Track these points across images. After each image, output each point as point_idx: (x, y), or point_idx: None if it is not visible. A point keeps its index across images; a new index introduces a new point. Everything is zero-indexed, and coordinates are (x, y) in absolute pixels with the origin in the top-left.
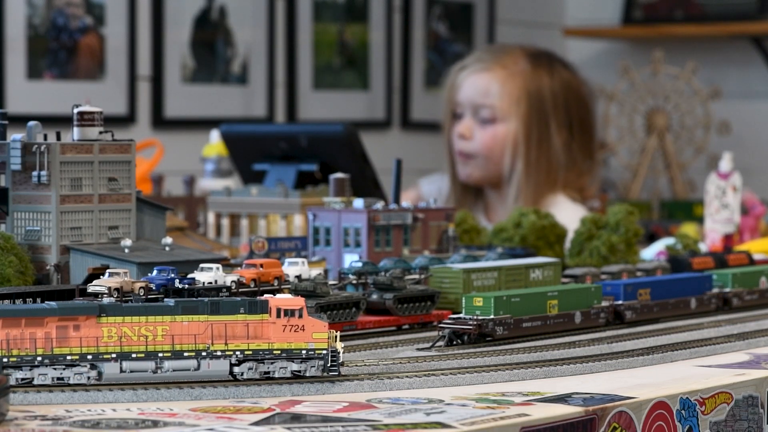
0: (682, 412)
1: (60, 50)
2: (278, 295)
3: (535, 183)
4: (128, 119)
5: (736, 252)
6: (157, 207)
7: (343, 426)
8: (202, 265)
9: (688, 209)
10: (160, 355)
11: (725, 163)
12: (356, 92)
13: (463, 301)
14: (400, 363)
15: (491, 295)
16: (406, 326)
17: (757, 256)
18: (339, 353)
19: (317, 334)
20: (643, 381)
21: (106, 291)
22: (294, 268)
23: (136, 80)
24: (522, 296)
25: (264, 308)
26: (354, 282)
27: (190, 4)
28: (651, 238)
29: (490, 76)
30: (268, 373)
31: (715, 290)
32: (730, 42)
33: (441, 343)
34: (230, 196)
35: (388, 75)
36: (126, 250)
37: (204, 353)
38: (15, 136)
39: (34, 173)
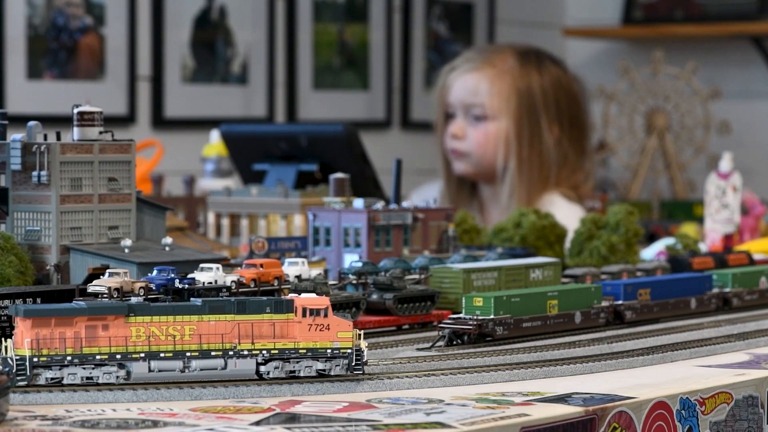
0: (682, 412)
1: (60, 50)
2: (303, 295)
3: (528, 180)
4: (128, 119)
5: (736, 252)
6: (157, 207)
7: (343, 426)
8: (202, 265)
9: (688, 209)
10: (188, 354)
11: (725, 163)
12: (356, 92)
13: (463, 301)
14: (400, 363)
15: (491, 295)
16: (406, 326)
17: (757, 256)
18: (363, 352)
19: (342, 333)
20: (643, 381)
21: (106, 291)
22: (294, 268)
23: (136, 80)
24: (522, 296)
25: (289, 307)
26: (354, 282)
27: (190, 4)
28: (651, 238)
29: (479, 76)
30: (294, 372)
31: (715, 290)
32: (730, 42)
33: (441, 343)
34: (230, 196)
35: (388, 75)
36: (126, 250)
37: (231, 352)
38: (15, 136)
39: (34, 173)
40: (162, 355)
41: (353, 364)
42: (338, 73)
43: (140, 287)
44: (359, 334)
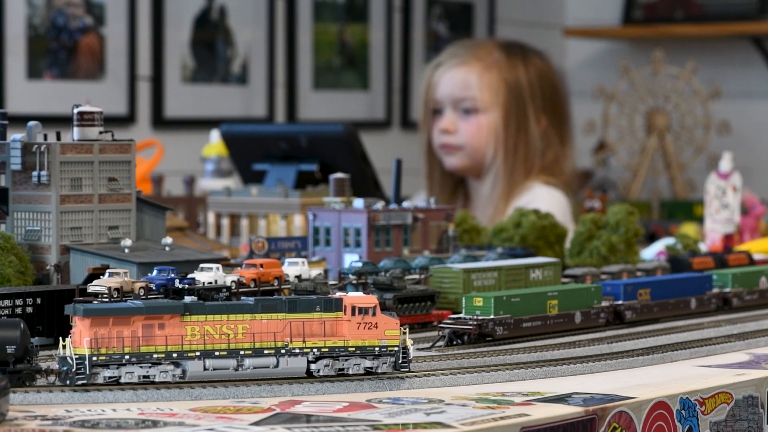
0: (682, 412)
1: (60, 50)
2: (351, 293)
3: (512, 171)
4: (128, 119)
5: (736, 252)
6: (157, 207)
7: (343, 426)
8: (202, 265)
9: (688, 209)
10: (242, 352)
11: (725, 163)
12: (356, 92)
13: (463, 301)
14: None
15: (491, 295)
16: (406, 326)
17: (757, 256)
18: (409, 350)
19: (389, 331)
20: (643, 381)
21: (106, 291)
22: (294, 268)
23: (136, 80)
24: (522, 296)
25: (338, 306)
26: (354, 282)
27: (190, 4)
28: (651, 238)
29: (467, 69)
30: (343, 369)
31: (715, 290)
32: (730, 42)
33: (441, 343)
34: (230, 196)
35: (388, 75)
36: (126, 250)
37: (283, 351)
38: (15, 136)
39: (34, 173)
40: (216, 353)
41: (399, 361)
42: (338, 73)
43: (140, 287)
44: (406, 333)
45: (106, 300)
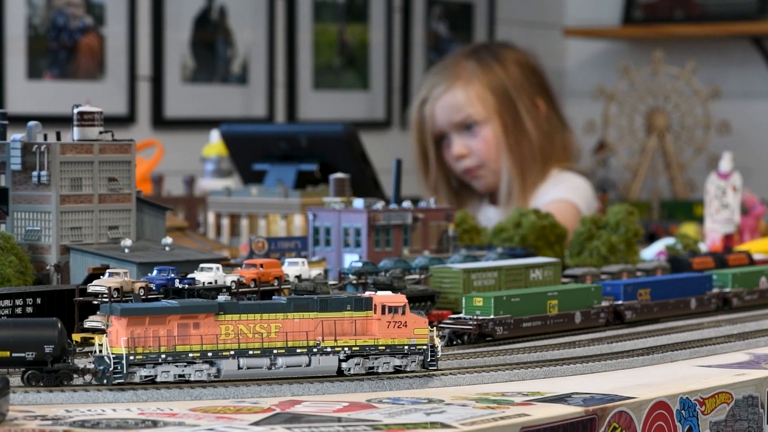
0: (682, 412)
1: (60, 50)
2: (379, 293)
3: (522, 168)
4: (128, 119)
5: (736, 252)
6: (157, 207)
7: (343, 426)
8: (202, 265)
9: (688, 209)
10: (275, 351)
11: (725, 163)
12: (356, 92)
13: (463, 301)
14: None
15: (491, 295)
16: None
17: (757, 256)
18: (438, 349)
19: (418, 330)
20: (643, 381)
21: (106, 291)
22: (294, 268)
23: (136, 80)
24: (522, 296)
25: (368, 305)
26: (354, 282)
27: (190, 4)
28: (651, 238)
29: (452, 92)
30: (373, 368)
31: (715, 290)
32: (730, 42)
33: (441, 343)
34: (230, 196)
35: (388, 75)
36: (126, 250)
37: (315, 349)
38: (15, 136)
39: (34, 173)
40: (250, 352)
41: (428, 360)
42: (338, 73)
43: (140, 287)
44: (434, 332)
45: (106, 300)
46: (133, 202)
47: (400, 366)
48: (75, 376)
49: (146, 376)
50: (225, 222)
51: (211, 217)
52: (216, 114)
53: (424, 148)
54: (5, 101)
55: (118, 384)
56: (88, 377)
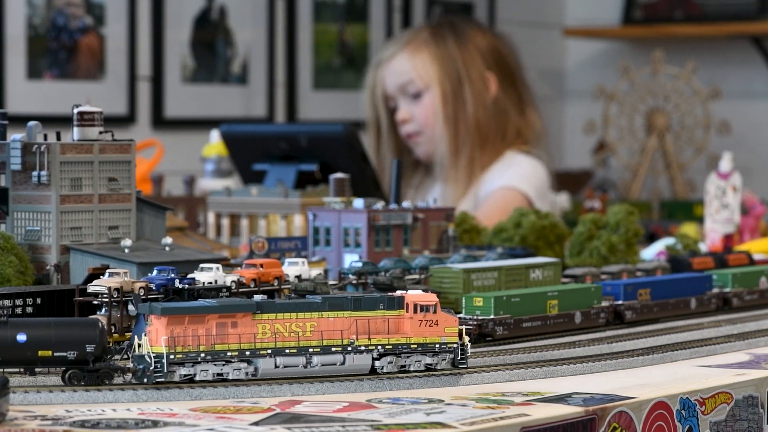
0: (682, 412)
1: (60, 50)
2: (411, 291)
3: (456, 142)
4: (128, 119)
5: (736, 252)
6: (157, 207)
7: (343, 426)
8: (202, 265)
9: (688, 209)
10: (310, 350)
11: (725, 163)
12: (356, 92)
13: (463, 301)
14: None
15: (491, 295)
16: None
17: (757, 256)
18: (468, 347)
19: (449, 328)
20: (643, 381)
21: (106, 291)
22: (294, 268)
23: (136, 80)
24: (522, 296)
25: (400, 304)
26: (354, 282)
27: (190, 4)
28: (651, 238)
29: (400, 56)
30: (404, 366)
31: (715, 290)
32: (730, 42)
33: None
34: (230, 196)
35: None
36: (126, 250)
37: (349, 348)
38: (15, 136)
39: (34, 173)
40: (287, 351)
41: (458, 358)
42: (338, 73)
43: (140, 287)
44: (463, 330)
45: (106, 300)
46: (133, 202)
47: (431, 364)
48: (115, 375)
49: (185, 375)
50: (225, 222)
51: (211, 217)
52: (216, 114)
53: (375, 111)
54: (5, 101)
55: (158, 383)
56: (128, 376)
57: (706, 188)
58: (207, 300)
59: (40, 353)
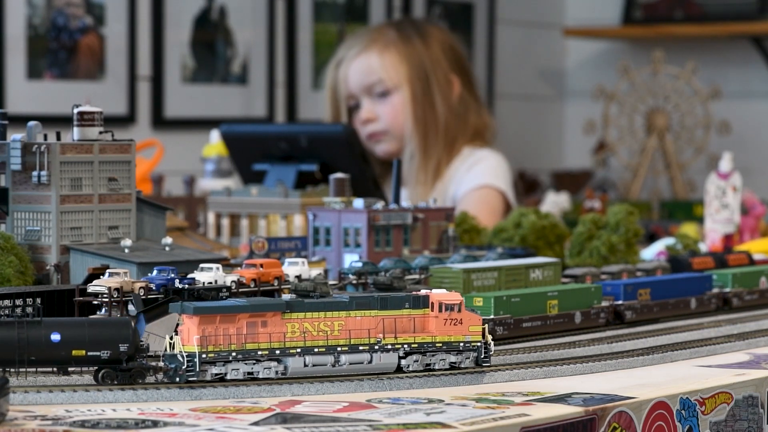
0: (682, 412)
1: (60, 50)
2: (434, 291)
3: (425, 141)
4: (128, 119)
5: (736, 252)
6: (157, 207)
7: (343, 426)
8: (202, 265)
9: (688, 209)
10: (338, 349)
11: (725, 163)
12: None
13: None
14: None
15: (491, 295)
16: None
17: (757, 256)
18: (491, 346)
19: (473, 327)
20: (643, 381)
21: (106, 291)
22: (294, 268)
23: (136, 80)
24: (522, 296)
25: (426, 303)
26: (354, 282)
27: (190, 4)
28: (651, 238)
29: (366, 55)
30: (429, 365)
31: (715, 290)
32: (730, 42)
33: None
34: (230, 196)
35: None
36: (126, 250)
37: (376, 347)
38: (15, 136)
39: (34, 173)
40: (315, 350)
41: (482, 357)
42: None
43: (140, 287)
44: (486, 329)
45: (106, 300)
46: (133, 202)
47: (455, 363)
48: (148, 374)
49: (216, 374)
50: (225, 222)
51: (211, 217)
52: (216, 114)
53: (336, 110)
54: (5, 101)
55: (191, 382)
56: (159, 375)
57: (706, 188)
58: (237, 299)
59: (74, 353)
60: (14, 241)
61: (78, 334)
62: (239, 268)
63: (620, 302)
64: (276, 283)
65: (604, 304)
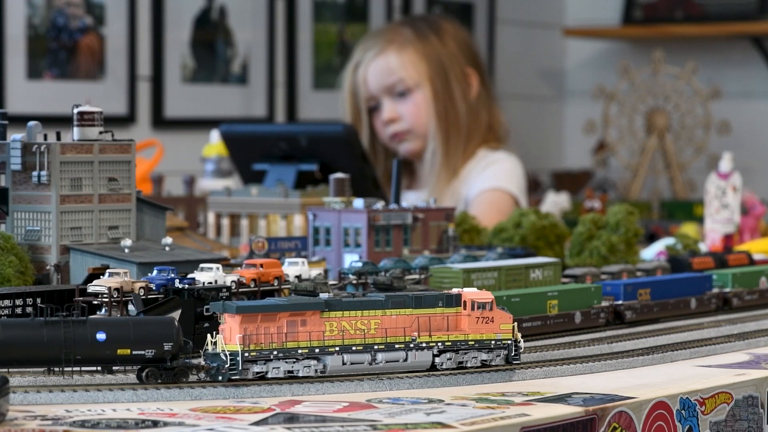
0: (682, 412)
1: (60, 50)
2: (466, 289)
3: (447, 137)
4: (128, 119)
5: (736, 252)
6: (157, 207)
7: (343, 426)
8: (202, 265)
9: (688, 209)
10: (375, 347)
11: (725, 163)
12: None
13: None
14: None
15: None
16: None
17: (757, 256)
18: (521, 344)
19: (504, 325)
20: (643, 381)
21: (106, 291)
22: (294, 268)
23: (136, 80)
24: (522, 296)
25: (458, 302)
26: (354, 282)
27: (190, 4)
28: (651, 238)
29: (385, 55)
30: (462, 363)
31: (715, 290)
32: (730, 42)
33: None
34: (230, 196)
35: None
36: (126, 250)
37: (411, 345)
38: (15, 136)
39: (34, 173)
40: (353, 348)
41: (512, 354)
42: (338, 73)
43: (140, 287)
44: (516, 327)
45: (106, 300)
46: (133, 202)
47: (486, 360)
48: (191, 373)
49: (258, 372)
50: (225, 222)
51: (211, 217)
52: (216, 114)
53: (357, 113)
54: (5, 101)
55: (234, 380)
56: (202, 374)
57: (706, 188)
58: (277, 298)
59: (119, 351)
60: (14, 241)
61: (123, 333)
62: (239, 268)
63: (620, 302)
64: (276, 283)
65: (604, 304)
